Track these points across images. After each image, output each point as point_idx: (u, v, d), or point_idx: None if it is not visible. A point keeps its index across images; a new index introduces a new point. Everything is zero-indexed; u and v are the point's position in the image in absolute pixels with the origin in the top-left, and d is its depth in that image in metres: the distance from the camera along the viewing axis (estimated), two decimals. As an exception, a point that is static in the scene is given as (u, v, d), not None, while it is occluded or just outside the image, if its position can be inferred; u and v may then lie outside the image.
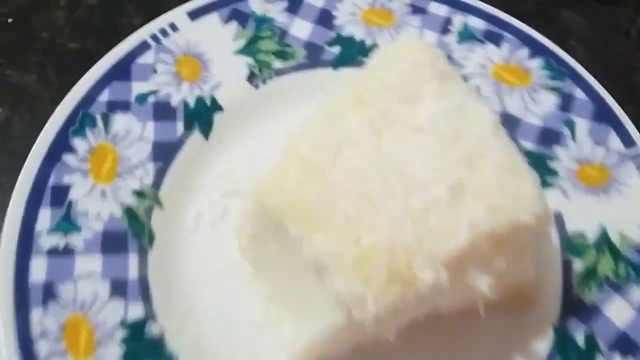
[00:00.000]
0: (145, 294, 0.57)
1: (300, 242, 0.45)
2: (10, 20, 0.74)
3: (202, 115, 0.65)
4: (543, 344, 0.57)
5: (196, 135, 0.65)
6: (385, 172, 0.45)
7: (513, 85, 0.67)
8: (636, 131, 0.65)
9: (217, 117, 0.66)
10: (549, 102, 0.67)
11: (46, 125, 0.61)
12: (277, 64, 0.68)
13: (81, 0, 0.77)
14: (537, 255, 0.54)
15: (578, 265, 0.60)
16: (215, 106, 0.66)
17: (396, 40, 0.51)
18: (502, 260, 0.47)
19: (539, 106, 0.66)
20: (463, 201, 0.45)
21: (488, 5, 0.71)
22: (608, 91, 0.68)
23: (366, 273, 0.43)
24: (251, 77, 0.67)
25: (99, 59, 0.66)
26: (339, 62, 0.69)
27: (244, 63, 0.68)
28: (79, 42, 0.74)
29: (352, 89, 0.48)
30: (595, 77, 0.68)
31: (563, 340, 0.57)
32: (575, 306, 0.58)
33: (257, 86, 0.67)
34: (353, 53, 0.69)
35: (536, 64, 0.68)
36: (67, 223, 0.58)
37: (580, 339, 0.57)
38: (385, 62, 0.49)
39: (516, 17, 0.71)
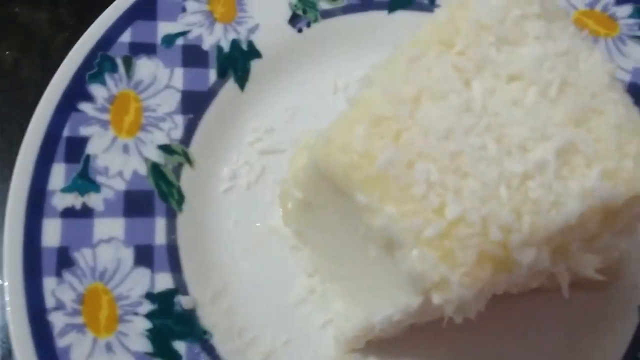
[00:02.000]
0: (174, 262, 0.50)
1: (367, 212, 0.37)
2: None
3: (237, 62, 0.57)
4: (626, 328, 0.50)
5: (231, 85, 0.56)
6: (476, 129, 0.37)
7: (598, 35, 0.58)
8: None
9: (255, 65, 0.57)
10: (639, 54, 0.58)
11: (59, 69, 0.53)
12: (324, 4, 0.59)
13: None
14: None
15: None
16: (253, 52, 0.57)
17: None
18: (611, 236, 0.39)
19: (627, 59, 0.58)
20: (573, 166, 0.36)
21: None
22: None
23: (451, 251, 0.35)
24: (294, 20, 0.59)
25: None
26: (395, 4, 0.60)
27: (285, 3, 0.59)
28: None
29: (435, 28, 0.39)
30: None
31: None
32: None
33: (300, 30, 0.59)
34: (412, -7, 0.60)
35: (625, 11, 0.59)
36: (84, 181, 0.50)
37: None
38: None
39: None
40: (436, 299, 0.35)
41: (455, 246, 0.35)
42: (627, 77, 0.57)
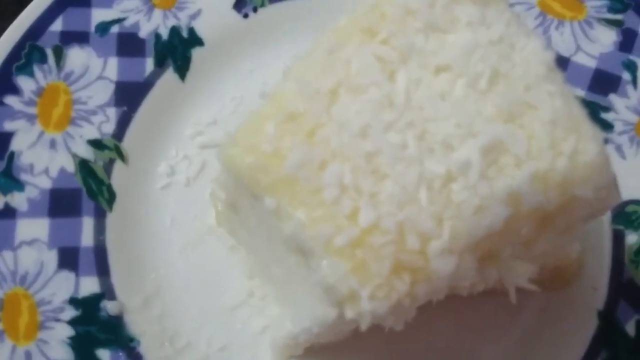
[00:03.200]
0: (101, 265, 0.47)
1: (277, 217, 0.34)
2: None
3: (177, 50, 0.53)
4: (584, 332, 0.47)
5: (170, 75, 0.53)
6: (396, 125, 0.34)
7: (563, 18, 0.54)
8: None
9: (197, 53, 0.54)
10: (606, 39, 0.54)
11: (-17, 61, 0.50)
12: (272, -13, 0.56)
13: None
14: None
15: (632, 239, 0.49)
16: (194, 39, 0.54)
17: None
18: (545, 242, 0.36)
19: (593, 44, 0.54)
20: (500, 166, 0.33)
21: None
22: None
23: (364, 262, 0.32)
24: (239, 4, 0.55)
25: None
26: (348, -13, 0.56)
27: (230, -14, 0.55)
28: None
29: (359, 14, 0.36)
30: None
31: (609, 328, 0.47)
32: (625, 288, 0.48)
33: (246, 15, 0.55)
34: (366, -25, 0.56)
35: (593, -9, 0.55)
36: (7, 179, 0.48)
37: (630, 327, 0.47)
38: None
39: None
40: (349, 313, 0.32)
41: (368, 256, 0.32)
42: (593, 64, 0.53)
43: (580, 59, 0.53)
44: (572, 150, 0.33)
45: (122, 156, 0.50)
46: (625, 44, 0.53)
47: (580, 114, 0.34)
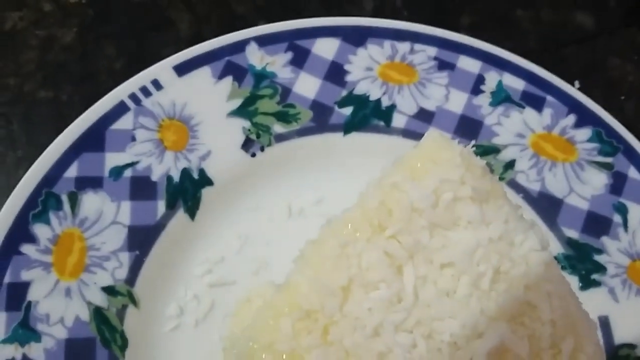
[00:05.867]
0: (114, 418, 0.48)
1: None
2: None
3: (188, 191, 0.56)
4: None
5: (180, 215, 0.55)
6: (406, 324, 0.36)
7: (556, 160, 0.57)
8: (703, 222, 0.55)
9: (206, 193, 0.56)
10: (597, 181, 0.57)
11: (2, 210, 0.51)
12: (278, 128, 0.58)
13: (55, 39, 0.67)
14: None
15: (627, 387, 0.51)
16: (204, 180, 0.56)
17: (420, 144, 0.40)
18: None
19: (585, 186, 0.56)
20: (505, 369, 0.35)
21: (527, 62, 0.60)
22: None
23: None
24: (247, 144, 0.57)
25: (74, 111, 0.56)
26: (350, 126, 0.59)
27: (239, 127, 0.58)
28: (51, 90, 0.64)
29: (367, 208, 0.38)
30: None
31: None
32: None
33: (254, 154, 0.57)
34: (367, 115, 0.59)
35: (584, 134, 0.58)
36: (25, 330, 0.49)
37: None
38: (408, 175, 0.39)
39: (559, 73, 0.60)
40: None
41: None
42: (586, 205, 0.56)
43: (573, 200, 0.56)
44: (570, 350, 0.35)
45: (134, 301, 0.52)
46: (616, 186, 0.56)
47: (576, 311, 0.36)
